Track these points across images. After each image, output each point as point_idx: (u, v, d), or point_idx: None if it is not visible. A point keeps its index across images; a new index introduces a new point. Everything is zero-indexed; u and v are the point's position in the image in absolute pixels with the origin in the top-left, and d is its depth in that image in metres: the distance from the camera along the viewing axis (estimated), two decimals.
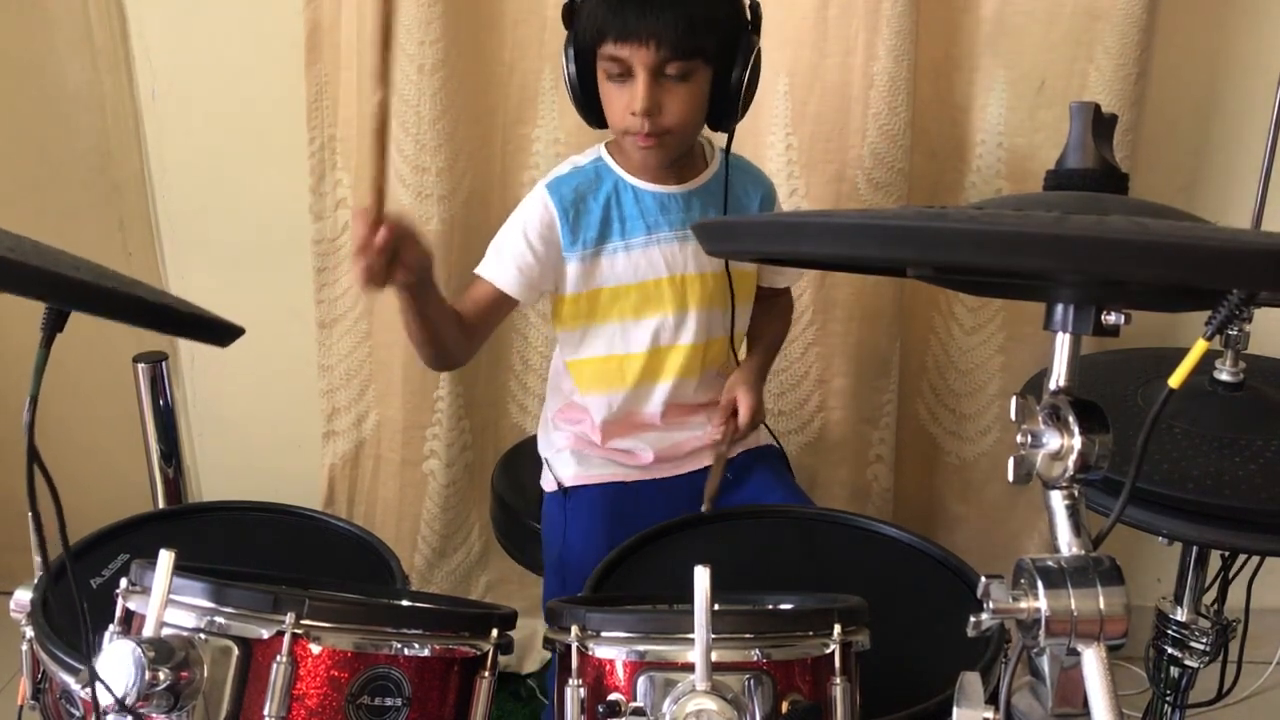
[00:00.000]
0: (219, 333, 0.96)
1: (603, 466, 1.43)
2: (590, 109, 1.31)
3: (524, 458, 1.59)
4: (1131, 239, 0.57)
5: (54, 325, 0.82)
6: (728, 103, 1.29)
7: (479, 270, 1.35)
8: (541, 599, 1.48)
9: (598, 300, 1.37)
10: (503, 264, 1.33)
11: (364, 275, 1.08)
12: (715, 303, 1.39)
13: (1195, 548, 1.32)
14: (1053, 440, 0.72)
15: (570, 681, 0.84)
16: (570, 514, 1.41)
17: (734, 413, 1.40)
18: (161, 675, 0.77)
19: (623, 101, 1.25)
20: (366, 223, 1.04)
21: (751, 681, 0.81)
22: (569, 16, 1.28)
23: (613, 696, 0.83)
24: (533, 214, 1.34)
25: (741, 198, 1.41)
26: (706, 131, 1.37)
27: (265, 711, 0.80)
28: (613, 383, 1.40)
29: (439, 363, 1.34)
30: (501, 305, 1.34)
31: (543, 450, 1.51)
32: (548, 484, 1.46)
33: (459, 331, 1.30)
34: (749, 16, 1.29)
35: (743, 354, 1.52)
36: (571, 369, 1.43)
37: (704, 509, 1.29)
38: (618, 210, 1.35)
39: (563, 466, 1.44)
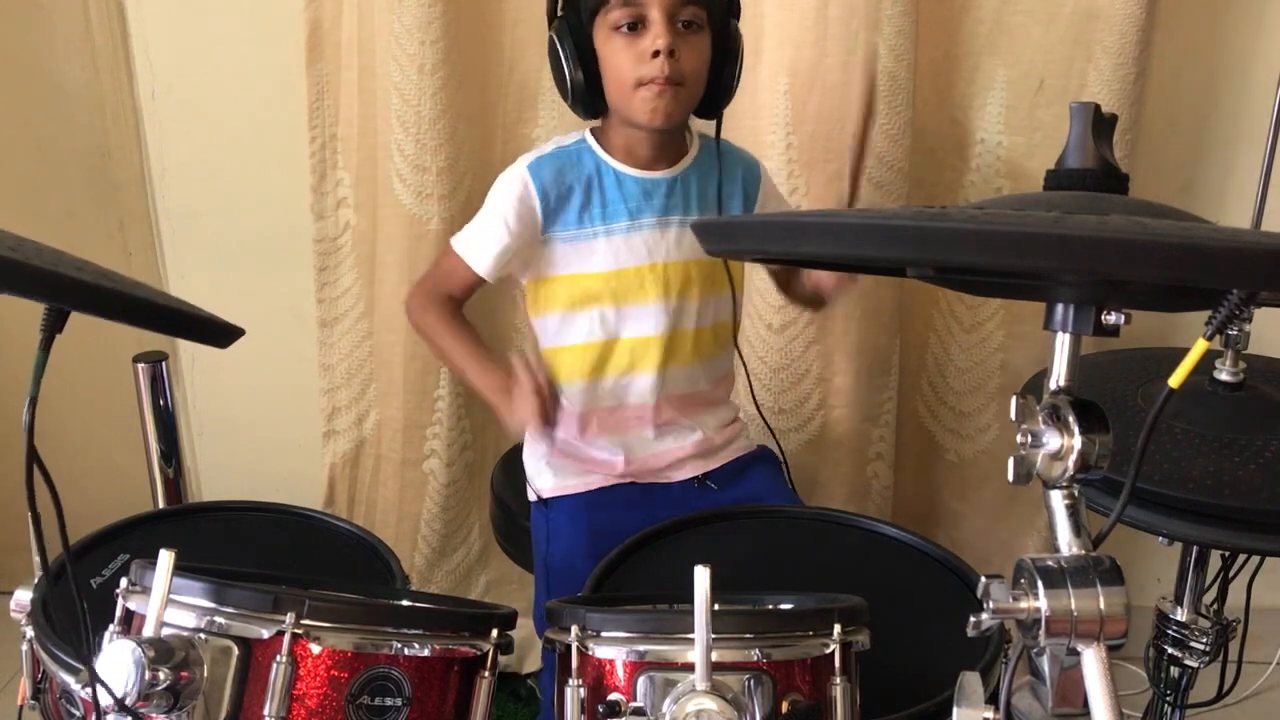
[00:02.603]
0: (219, 334, 0.96)
1: (579, 476, 1.41)
2: (590, 93, 1.28)
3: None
4: (1131, 239, 0.57)
5: (53, 326, 0.82)
6: (723, 84, 1.30)
7: (454, 243, 1.35)
8: (533, 606, 1.48)
9: (576, 285, 1.34)
10: (482, 248, 1.32)
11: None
12: (704, 291, 1.37)
13: (1195, 548, 1.32)
14: (1053, 440, 0.72)
15: (570, 681, 0.84)
16: (552, 525, 1.40)
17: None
18: (161, 675, 0.77)
19: (636, 51, 1.23)
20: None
21: (751, 681, 0.81)
22: (554, 5, 1.28)
23: (613, 696, 0.83)
24: (511, 192, 1.32)
25: (727, 182, 1.39)
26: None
27: (265, 711, 0.81)
28: (593, 372, 1.37)
29: None
30: (472, 282, 1.35)
31: (526, 457, 1.48)
32: (530, 493, 1.45)
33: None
34: (728, 7, 1.31)
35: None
36: (550, 358, 1.40)
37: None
38: (599, 194, 1.33)
39: (540, 477, 1.42)
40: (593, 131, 1.36)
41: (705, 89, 1.30)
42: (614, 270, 1.34)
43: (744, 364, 1.49)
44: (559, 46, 1.27)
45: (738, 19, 1.31)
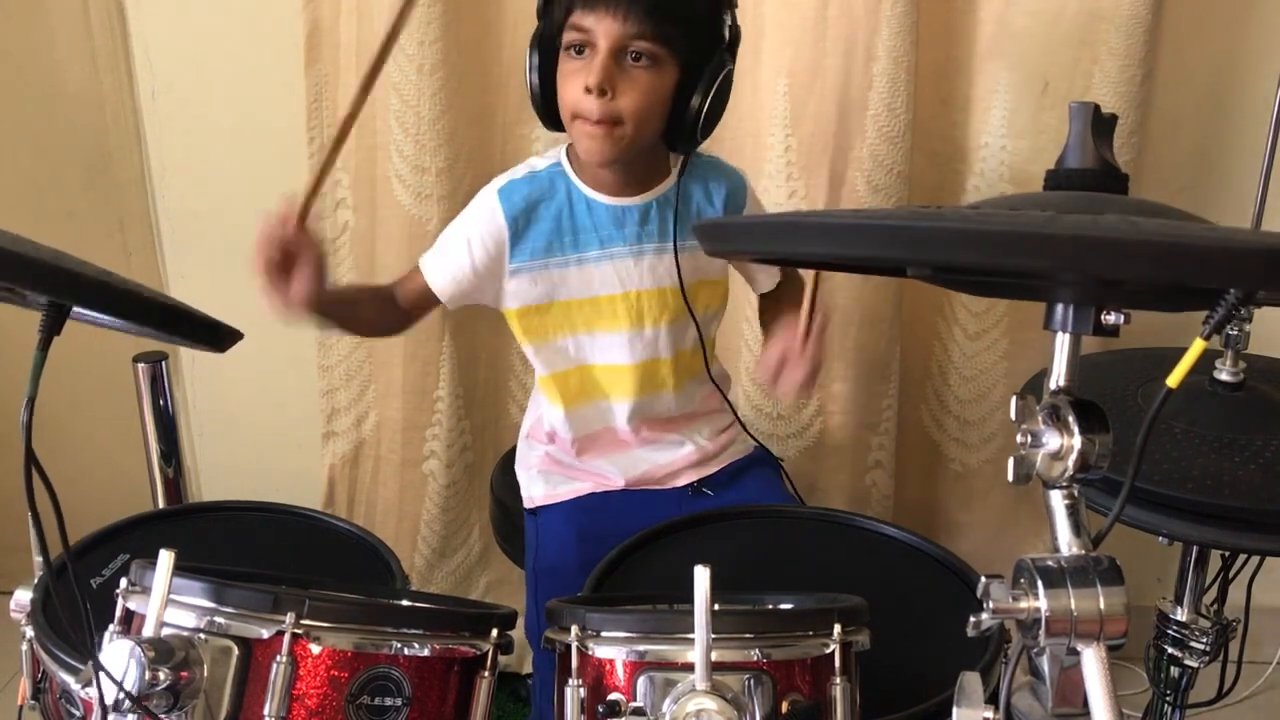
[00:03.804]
0: (218, 337, 0.96)
1: (569, 484, 1.40)
2: (546, 106, 1.25)
3: None
4: (1120, 238, 0.57)
5: (51, 327, 0.82)
6: (686, 121, 1.21)
7: (421, 261, 1.33)
8: (525, 611, 1.47)
9: (548, 314, 1.32)
10: (440, 265, 1.31)
11: (261, 264, 1.11)
12: (679, 317, 1.34)
13: (1195, 548, 1.32)
14: (1053, 440, 0.72)
15: (570, 681, 0.84)
16: (541, 532, 1.39)
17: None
18: (161, 675, 0.77)
19: (579, 78, 1.18)
20: (285, 216, 1.09)
21: (751, 681, 0.81)
22: (540, 9, 1.24)
23: (613, 696, 0.83)
24: (479, 220, 1.30)
25: (703, 206, 1.34)
26: None
27: (265, 711, 0.81)
28: (572, 400, 1.37)
29: (366, 335, 1.35)
30: (429, 300, 1.33)
31: (518, 466, 1.48)
32: (523, 501, 1.44)
33: (378, 311, 1.31)
34: (728, 36, 1.22)
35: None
36: (540, 383, 1.40)
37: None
38: (570, 222, 1.29)
39: (532, 485, 1.42)
40: (568, 150, 1.32)
41: (669, 122, 1.23)
42: (586, 299, 1.32)
43: (712, 382, 1.44)
44: (527, 54, 1.24)
45: (725, 45, 1.22)
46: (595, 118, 1.18)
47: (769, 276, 1.45)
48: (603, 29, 1.16)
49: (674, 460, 1.41)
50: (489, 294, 1.33)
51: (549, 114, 1.26)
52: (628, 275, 1.32)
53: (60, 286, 0.79)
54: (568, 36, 1.20)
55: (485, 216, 1.30)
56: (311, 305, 1.15)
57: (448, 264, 1.31)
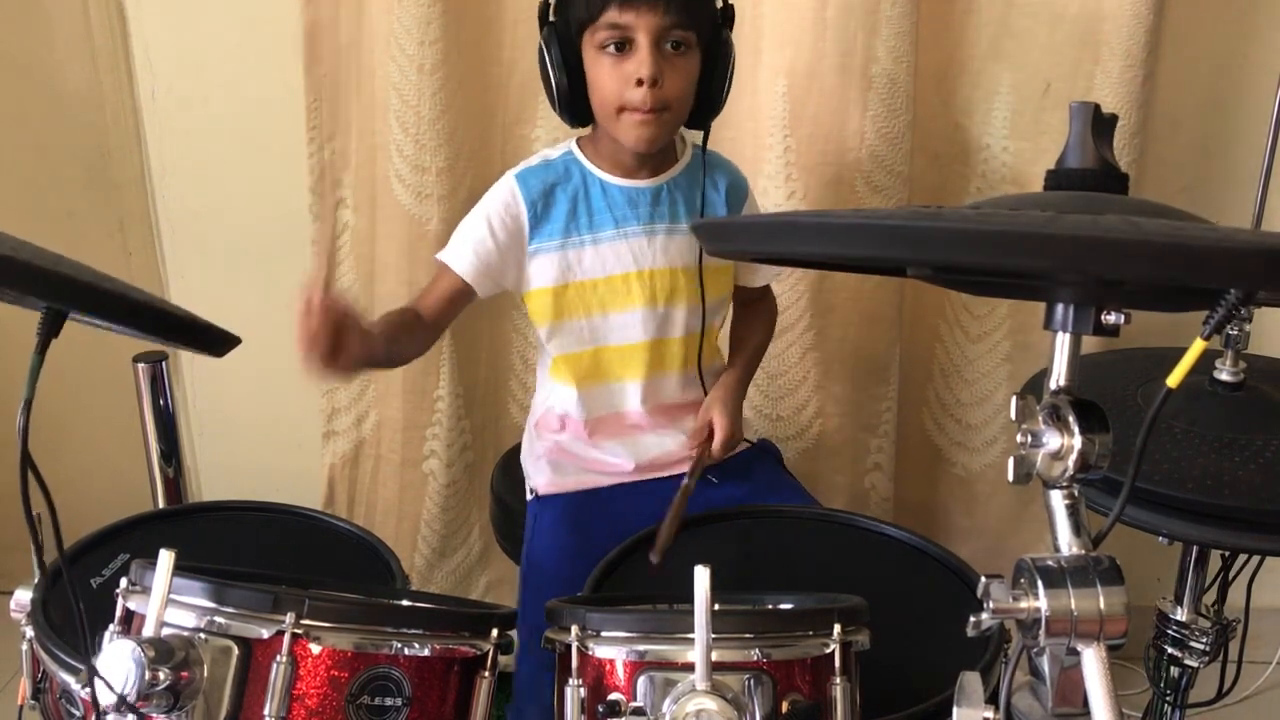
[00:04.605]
0: (216, 342, 0.96)
1: (579, 474, 1.41)
2: (575, 102, 1.28)
3: None
4: (1120, 238, 0.57)
5: (49, 331, 0.82)
6: (711, 97, 1.30)
7: (440, 255, 1.34)
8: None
9: (565, 295, 1.35)
10: (463, 251, 1.32)
11: (308, 359, 1.07)
12: (690, 299, 1.38)
13: (1195, 548, 1.32)
14: (1053, 440, 0.72)
15: (570, 681, 0.84)
16: (539, 522, 1.40)
17: (709, 435, 1.37)
18: (161, 675, 0.77)
19: (621, 74, 1.23)
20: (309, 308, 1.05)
21: (751, 681, 0.81)
22: (545, 10, 1.27)
23: (613, 696, 0.83)
24: (499, 203, 1.33)
25: (709, 192, 1.39)
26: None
27: (265, 711, 0.81)
28: (586, 379, 1.39)
29: (398, 364, 1.38)
30: (460, 295, 1.33)
31: (524, 456, 1.49)
32: (527, 490, 1.46)
33: (410, 338, 1.29)
34: (726, 15, 1.30)
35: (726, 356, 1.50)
36: (551, 367, 1.42)
37: (653, 559, 1.17)
38: (585, 204, 1.34)
39: (539, 474, 1.43)
40: (579, 141, 1.37)
41: (695, 102, 1.30)
42: (601, 278, 1.35)
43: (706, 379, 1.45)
44: (546, 54, 1.27)
45: (730, 29, 1.31)
46: (648, 107, 1.23)
47: (768, 272, 1.49)
48: (644, 24, 1.21)
49: (682, 447, 1.42)
50: (511, 277, 1.35)
51: (578, 111, 1.29)
52: (642, 254, 1.35)
53: (58, 293, 0.79)
54: (602, 35, 1.23)
55: (506, 200, 1.33)
56: (358, 366, 1.14)
57: (470, 247, 1.32)
